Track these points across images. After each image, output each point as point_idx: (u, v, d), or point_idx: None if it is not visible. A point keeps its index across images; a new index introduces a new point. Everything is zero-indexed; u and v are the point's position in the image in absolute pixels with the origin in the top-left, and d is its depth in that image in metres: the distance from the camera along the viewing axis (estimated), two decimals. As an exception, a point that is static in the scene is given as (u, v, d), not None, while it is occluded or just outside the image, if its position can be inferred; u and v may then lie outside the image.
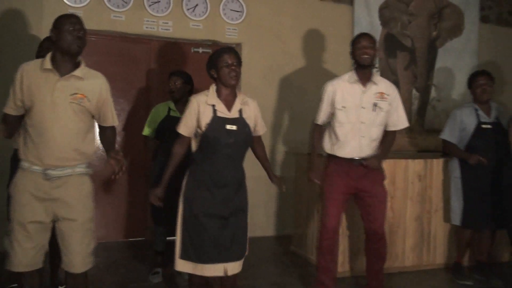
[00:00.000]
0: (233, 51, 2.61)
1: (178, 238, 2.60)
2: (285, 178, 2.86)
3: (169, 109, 3.56)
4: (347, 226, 3.68)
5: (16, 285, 2.50)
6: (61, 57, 2.28)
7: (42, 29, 3.85)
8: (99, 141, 2.56)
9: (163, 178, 2.66)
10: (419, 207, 3.91)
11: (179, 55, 4.60)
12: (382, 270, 3.17)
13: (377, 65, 5.20)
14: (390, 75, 5.27)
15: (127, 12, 4.29)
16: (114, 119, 2.52)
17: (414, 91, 5.39)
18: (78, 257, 2.34)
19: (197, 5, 4.52)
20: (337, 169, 3.08)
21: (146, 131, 3.66)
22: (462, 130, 3.62)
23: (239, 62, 2.59)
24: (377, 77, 3.09)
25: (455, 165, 3.69)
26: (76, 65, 2.34)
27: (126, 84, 4.50)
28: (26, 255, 2.26)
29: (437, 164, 3.95)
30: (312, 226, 3.99)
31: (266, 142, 4.79)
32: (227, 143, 2.53)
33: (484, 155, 3.46)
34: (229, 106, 2.59)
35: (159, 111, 3.61)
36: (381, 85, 3.07)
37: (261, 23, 4.78)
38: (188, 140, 2.65)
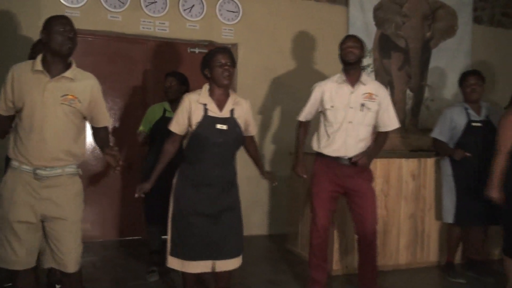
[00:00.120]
0: (227, 51, 2.64)
1: (168, 236, 2.64)
2: (276, 173, 2.90)
3: (165, 109, 3.58)
4: (340, 224, 3.72)
5: (11, 284, 2.51)
6: (51, 58, 2.28)
7: (40, 30, 3.86)
8: (93, 140, 2.57)
9: (153, 174, 2.69)
10: (413, 205, 3.95)
11: (176, 55, 4.63)
12: (374, 268, 3.20)
13: (371, 66, 5.26)
14: (384, 75, 5.32)
15: (123, 13, 4.31)
16: (106, 120, 2.52)
17: (408, 91, 5.44)
18: (71, 256, 2.34)
19: (193, 5, 4.55)
20: (324, 167, 3.13)
21: (140, 130, 3.70)
22: (452, 129, 3.67)
23: (232, 63, 2.61)
24: (366, 77, 3.14)
25: (446, 164, 3.74)
26: (67, 66, 2.33)
27: (123, 84, 4.53)
28: (16, 253, 2.27)
29: (431, 163, 4.00)
30: (306, 224, 4.02)
31: (262, 142, 4.86)
32: (216, 142, 2.55)
33: (474, 152, 3.52)
34: (221, 106, 2.61)
35: (155, 111, 3.63)
36: (370, 85, 3.11)
37: (257, 23, 4.81)
38: (179, 138, 2.67)
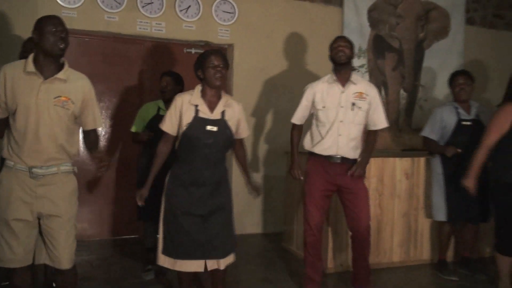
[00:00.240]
0: (220, 53, 2.66)
1: (160, 234, 2.67)
2: (261, 187, 2.90)
3: (159, 108, 3.58)
4: (333, 222, 3.76)
5: (7, 283, 2.51)
6: (43, 58, 2.27)
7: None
8: (83, 142, 2.56)
9: (149, 178, 2.70)
10: (406, 204, 4.00)
11: (172, 56, 4.65)
12: (368, 266, 3.24)
13: (366, 66, 5.31)
14: (378, 75, 5.38)
15: (120, 13, 4.34)
16: (96, 122, 2.48)
17: (402, 91, 5.50)
18: (65, 253, 2.36)
19: (189, 6, 4.58)
20: (316, 166, 3.17)
21: (133, 128, 3.68)
22: (443, 128, 3.72)
23: (225, 64, 2.64)
24: (356, 77, 3.18)
25: (437, 162, 3.78)
26: (60, 67, 2.32)
27: (120, 84, 4.55)
28: (14, 251, 2.28)
29: (424, 162, 4.04)
30: (301, 223, 4.03)
31: (257, 142, 4.90)
32: (206, 143, 2.58)
33: (464, 151, 3.55)
34: (212, 107, 2.64)
35: (149, 110, 3.63)
36: (360, 85, 3.16)
37: (253, 24, 4.84)
38: (172, 138, 2.69)
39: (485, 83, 5.73)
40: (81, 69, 2.47)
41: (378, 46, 5.35)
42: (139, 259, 3.88)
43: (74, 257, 2.42)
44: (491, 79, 5.78)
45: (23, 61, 2.32)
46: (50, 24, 2.26)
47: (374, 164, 3.84)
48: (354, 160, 3.17)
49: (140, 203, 2.72)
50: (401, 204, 3.99)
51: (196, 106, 2.61)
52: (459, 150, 3.57)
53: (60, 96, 2.28)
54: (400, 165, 3.98)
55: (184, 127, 2.60)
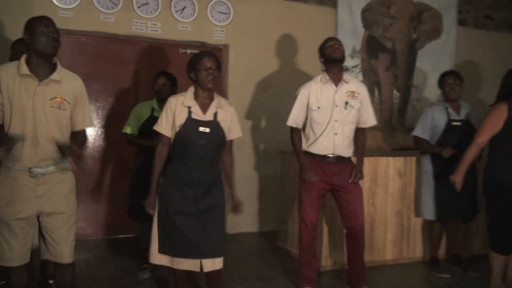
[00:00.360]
0: (212, 55, 2.68)
1: (154, 233, 2.69)
2: (242, 205, 2.89)
3: (153, 109, 3.57)
4: (328, 220, 3.80)
5: (4, 282, 2.53)
6: (36, 59, 2.27)
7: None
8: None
9: (152, 183, 2.70)
10: (399, 202, 4.05)
11: (168, 56, 4.67)
12: (363, 263, 3.29)
13: (359, 66, 5.36)
14: (372, 75, 5.44)
15: (116, 14, 4.36)
16: (86, 122, 2.48)
17: (395, 91, 5.56)
18: (67, 248, 2.40)
19: (185, 7, 4.61)
20: (313, 165, 3.19)
21: (128, 129, 3.61)
22: (433, 127, 3.76)
23: (218, 66, 2.66)
24: (348, 76, 3.23)
25: (427, 161, 3.82)
26: (53, 67, 2.33)
27: (115, 84, 4.56)
28: (12, 250, 2.30)
29: (417, 161, 4.09)
30: (295, 221, 4.06)
31: (251, 141, 4.94)
32: (199, 144, 2.61)
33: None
34: (204, 109, 2.67)
35: (143, 110, 3.59)
36: (352, 84, 3.21)
37: (248, 25, 4.88)
38: (168, 139, 2.70)
39: (477, 83, 5.81)
40: (77, 69, 2.49)
41: (372, 46, 5.40)
42: (135, 258, 3.89)
43: (73, 253, 2.45)
44: (483, 79, 5.86)
45: (15, 62, 2.30)
46: (41, 25, 2.26)
47: (368, 163, 3.88)
48: (349, 159, 3.22)
49: (152, 212, 2.70)
50: (394, 202, 4.03)
51: (189, 107, 2.64)
52: (456, 151, 3.58)
53: (56, 97, 2.30)
54: (393, 164, 4.03)
55: (177, 128, 2.62)
